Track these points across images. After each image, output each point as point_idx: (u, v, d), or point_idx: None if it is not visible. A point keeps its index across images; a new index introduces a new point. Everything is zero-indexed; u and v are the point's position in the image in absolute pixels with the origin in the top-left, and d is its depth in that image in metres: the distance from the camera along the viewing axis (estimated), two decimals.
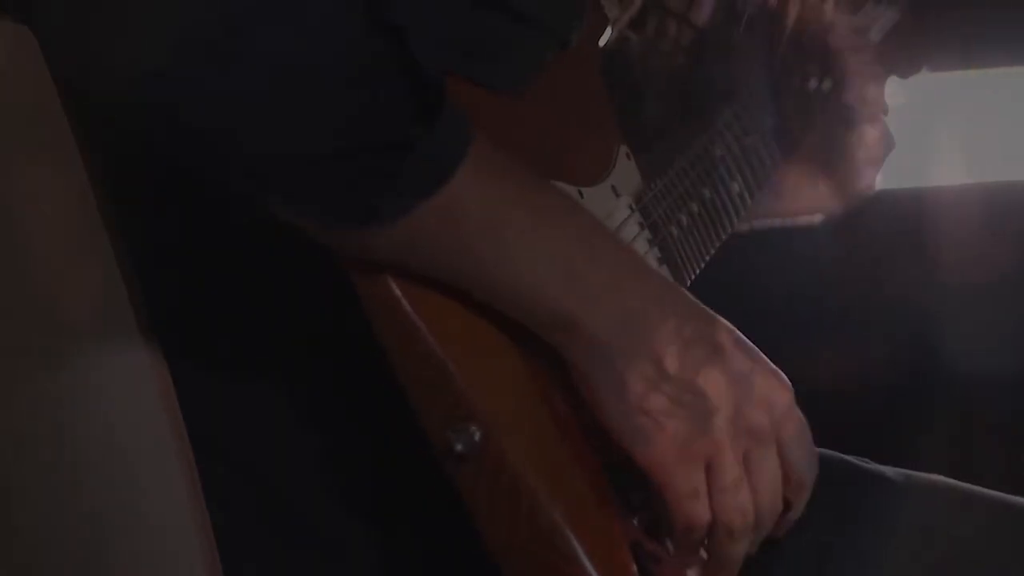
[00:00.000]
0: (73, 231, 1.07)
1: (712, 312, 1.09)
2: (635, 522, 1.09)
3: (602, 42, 1.26)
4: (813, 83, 1.45)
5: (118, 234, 1.09)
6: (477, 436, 1.01)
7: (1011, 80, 2.15)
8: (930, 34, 1.48)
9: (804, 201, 1.50)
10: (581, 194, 1.17)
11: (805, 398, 1.12)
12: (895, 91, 1.50)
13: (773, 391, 1.08)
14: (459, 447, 1.01)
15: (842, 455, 1.34)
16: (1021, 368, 2.09)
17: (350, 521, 1.10)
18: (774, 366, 1.10)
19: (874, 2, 1.49)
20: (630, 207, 1.22)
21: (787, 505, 1.12)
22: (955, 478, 1.36)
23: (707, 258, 1.31)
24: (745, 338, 1.09)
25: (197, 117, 0.94)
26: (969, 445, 2.11)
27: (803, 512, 1.13)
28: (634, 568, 1.07)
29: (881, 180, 1.51)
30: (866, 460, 1.37)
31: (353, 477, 1.10)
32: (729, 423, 1.06)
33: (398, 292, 1.02)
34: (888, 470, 1.36)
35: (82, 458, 1.07)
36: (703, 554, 1.11)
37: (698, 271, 1.29)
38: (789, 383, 1.10)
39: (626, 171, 1.24)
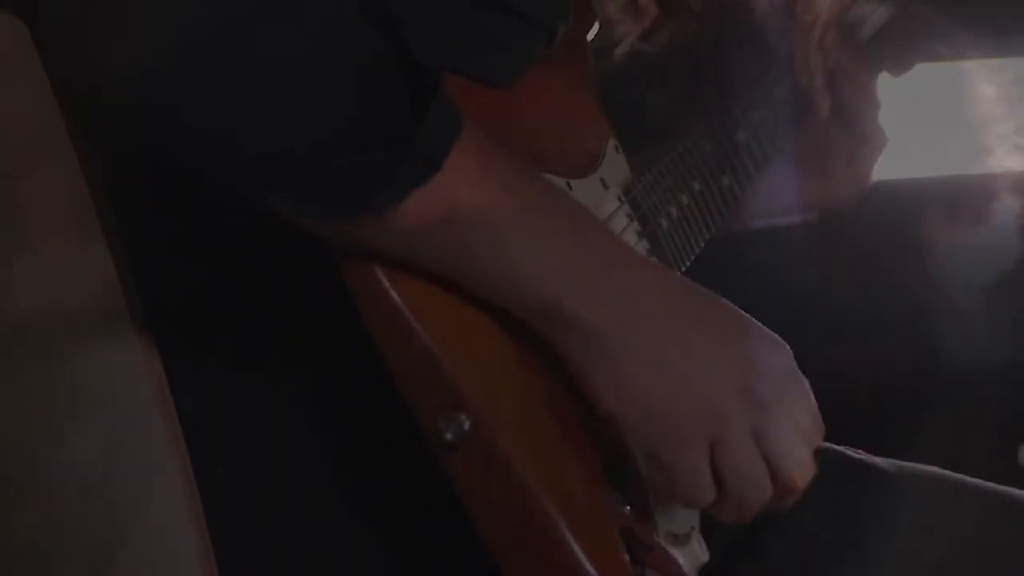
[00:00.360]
0: (72, 231, 1.10)
1: (708, 291, 1.13)
2: (627, 509, 1.13)
3: (590, 35, 1.30)
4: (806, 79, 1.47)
5: (116, 234, 1.12)
6: (467, 425, 1.05)
7: (1007, 71, 2.19)
8: (923, 29, 1.51)
9: (799, 198, 1.52)
10: (570, 186, 1.21)
11: None
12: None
13: (774, 362, 1.12)
14: (449, 436, 1.05)
15: (835, 446, 1.37)
16: (1018, 365, 2.14)
17: (350, 521, 1.12)
18: (773, 334, 1.13)
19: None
20: (619, 199, 1.26)
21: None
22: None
23: (697, 251, 1.35)
24: (743, 312, 1.13)
25: (197, 117, 0.96)
26: (966, 443, 2.12)
27: (802, 507, 1.17)
28: (624, 556, 1.11)
29: (876, 175, 1.54)
30: (859, 451, 1.41)
31: (353, 477, 1.12)
32: (732, 399, 1.09)
33: (386, 283, 1.05)
34: (881, 461, 1.40)
35: (80, 458, 1.09)
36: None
37: (688, 263, 1.33)
38: (789, 349, 1.13)
39: (615, 163, 1.28)
